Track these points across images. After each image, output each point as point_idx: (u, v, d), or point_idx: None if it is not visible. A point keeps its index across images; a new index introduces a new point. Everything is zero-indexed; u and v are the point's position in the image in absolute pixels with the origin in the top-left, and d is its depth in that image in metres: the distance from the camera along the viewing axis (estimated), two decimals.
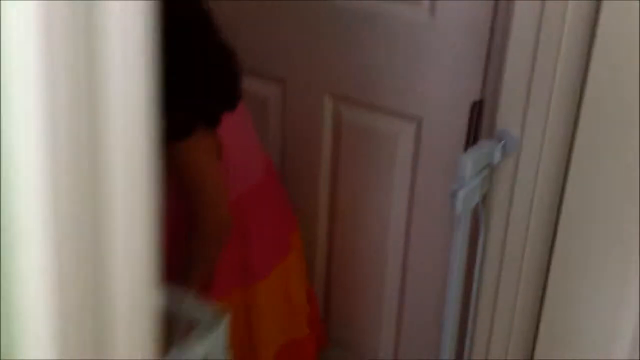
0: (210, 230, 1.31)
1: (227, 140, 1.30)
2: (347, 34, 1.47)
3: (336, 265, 1.66)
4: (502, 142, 1.27)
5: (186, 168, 1.27)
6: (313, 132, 1.57)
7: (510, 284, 1.33)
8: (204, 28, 1.26)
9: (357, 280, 1.64)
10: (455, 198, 1.20)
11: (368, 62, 1.47)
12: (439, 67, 1.40)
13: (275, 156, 1.64)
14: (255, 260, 1.41)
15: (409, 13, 1.40)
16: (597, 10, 1.15)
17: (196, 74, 1.24)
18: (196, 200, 1.30)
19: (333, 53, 1.50)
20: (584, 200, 1.24)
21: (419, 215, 1.51)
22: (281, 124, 1.62)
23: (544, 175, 1.26)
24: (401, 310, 1.61)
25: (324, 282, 1.69)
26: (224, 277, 1.38)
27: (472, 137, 1.41)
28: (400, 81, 1.45)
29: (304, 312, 1.52)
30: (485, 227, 1.32)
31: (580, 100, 1.20)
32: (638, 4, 1.10)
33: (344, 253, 1.63)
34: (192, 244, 1.32)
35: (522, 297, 1.33)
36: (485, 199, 1.30)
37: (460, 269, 1.28)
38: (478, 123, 1.40)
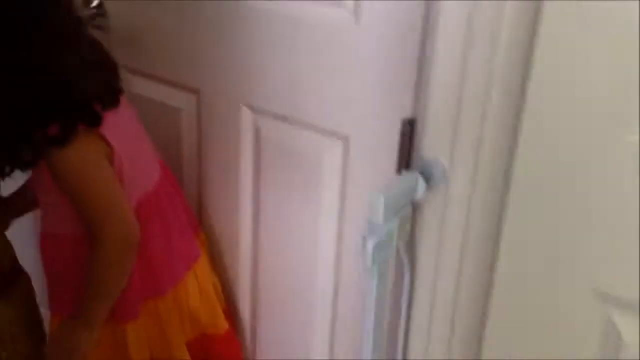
0: (112, 249, 1.16)
1: (117, 142, 1.15)
2: (264, 40, 1.26)
3: (261, 293, 1.46)
4: (427, 173, 1.06)
5: (74, 180, 1.12)
6: (231, 147, 1.37)
7: (442, 338, 1.13)
8: (72, 23, 1.12)
9: (285, 305, 1.45)
10: (365, 247, 1.00)
11: (288, 72, 1.26)
12: (365, 79, 1.18)
13: (192, 172, 1.45)
14: (165, 267, 1.29)
15: (331, 16, 1.18)
16: (537, 16, 0.93)
17: (70, 70, 1.08)
18: (91, 217, 1.15)
19: (250, 61, 1.29)
20: (523, 241, 1.03)
21: (349, 242, 1.31)
22: (197, 137, 1.42)
23: (478, 212, 1.05)
24: (332, 335, 1.41)
25: (250, 307, 1.50)
26: (133, 292, 1.25)
27: (405, 159, 1.19)
28: (324, 94, 1.23)
29: (220, 307, 1.43)
30: (411, 275, 1.11)
31: (519, 122, 0.98)
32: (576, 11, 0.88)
33: (269, 279, 1.44)
34: (94, 269, 1.17)
35: (456, 351, 1.13)
36: (408, 241, 1.10)
37: (377, 326, 1.08)
38: (411, 143, 1.18)
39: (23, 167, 1.13)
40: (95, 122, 1.11)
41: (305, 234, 1.35)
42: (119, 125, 1.17)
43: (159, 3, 1.36)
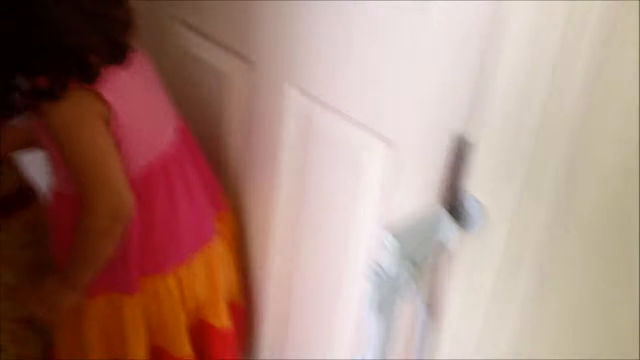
0: (99, 220, 1.07)
1: (119, 104, 1.05)
2: (321, 21, 1.09)
3: (287, 287, 1.33)
4: (462, 210, 0.88)
5: (63, 141, 1.04)
6: (276, 126, 1.22)
7: None
8: None
9: (308, 302, 1.31)
10: (368, 293, 0.84)
11: (342, 59, 1.08)
12: (422, 79, 0.99)
13: (235, 144, 1.33)
14: (168, 243, 1.20)
15: (396, 4, 0.98)
16: None
17: (62, 19, 0.99)
18: (81, 182, 1.07)
19: (305, 42, 1.13)
20: (568, 315, 0.83)
21: None
22: (243, 109, 1.29)
23: (519, 270, 0.86)
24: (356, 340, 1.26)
25: (273, 298, 1.37)
26: (131, 265, 1.17)
27: (451, 184, 1.00)
28: (374, 88, 1.05)
29: (225, 303, 1.31)
30: (427, 325, 0.94)
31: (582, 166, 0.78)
32: None
33: (297, 273, 1.30)
34: (80, 236, 1.10)
35: None
36: (429, 288, 0.92)
37: None
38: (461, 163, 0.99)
39: (9, 115, 1.07)
40: (89, 78, 1.01)
41: (338, 233, 1.19)
42: (124, 85, 1.07)
43: None
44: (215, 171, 1.33)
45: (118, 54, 1.06)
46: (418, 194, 1.01)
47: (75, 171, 1.07)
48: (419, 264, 0.87)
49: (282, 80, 1.19)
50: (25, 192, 1.29)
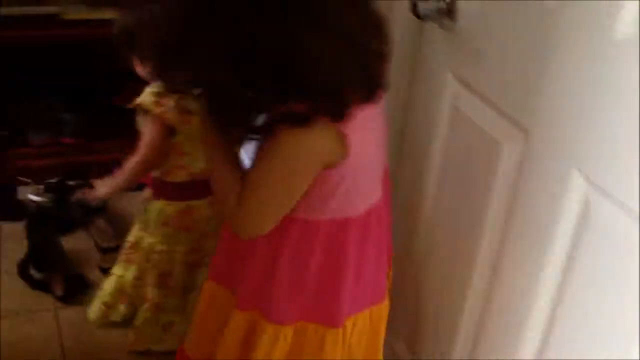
0: (229, 219, 1.08)
1: (352, 149, 0.99)
2: (615, 105, 0.94)
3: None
4: None
5: (264, 156, 1.01)
6: (550, 207, 1.07)
7: None
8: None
9: None
10: None
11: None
12: None
13: (497, 213, 1.20)
14: (346, 296, 1.14)
15: None
16: None
17: (331, 45, 0.91)
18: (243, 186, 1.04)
19: (594, 122, 0.98)
20: None
21: None
22: (513, 180, 1.15)
23: None
24: None
25: None
26: (300, 309, 1.14)
27: None
28: None
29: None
30: None
31: None
32: None
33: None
34: (223, 193, 1.08)
35: None
36: None
37: None
38: None
39: (247, 133, 1.03)
40: (338, 114, 0.93)
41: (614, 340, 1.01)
42: (360, 130, 0.99)
43: (518, 23, 1.11)
44: (467, 235, 1.25)
45: (371, 90, 0.98)
46: None
47: (247, 175, 1.03)
48: None
49: (560, 159, 1.05)
50: None
